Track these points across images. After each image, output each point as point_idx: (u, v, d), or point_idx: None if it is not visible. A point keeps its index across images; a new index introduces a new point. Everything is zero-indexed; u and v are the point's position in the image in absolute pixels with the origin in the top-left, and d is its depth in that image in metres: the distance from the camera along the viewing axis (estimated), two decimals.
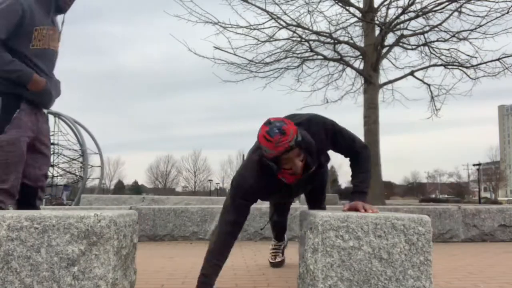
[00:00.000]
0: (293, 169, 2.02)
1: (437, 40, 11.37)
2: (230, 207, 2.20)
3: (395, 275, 1.65)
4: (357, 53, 12.03)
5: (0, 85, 2.31)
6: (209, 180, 72.09)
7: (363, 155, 2.24)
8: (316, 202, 2.73)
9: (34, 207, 2.42)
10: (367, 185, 2.17)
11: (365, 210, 1.90)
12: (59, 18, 2.60)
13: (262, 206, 4.78)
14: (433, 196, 64.69)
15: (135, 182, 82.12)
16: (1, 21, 2.24)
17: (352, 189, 2.20)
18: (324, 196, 2.79)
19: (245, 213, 2.22)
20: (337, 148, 2.26)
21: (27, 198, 2.39)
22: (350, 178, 2.35)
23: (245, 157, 2.48)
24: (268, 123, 1.98)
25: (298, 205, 5.50)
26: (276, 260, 3.00)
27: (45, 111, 2.60)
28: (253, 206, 2.28)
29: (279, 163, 2.00)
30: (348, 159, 2.30)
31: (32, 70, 2.35)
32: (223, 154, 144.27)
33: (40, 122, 2.51)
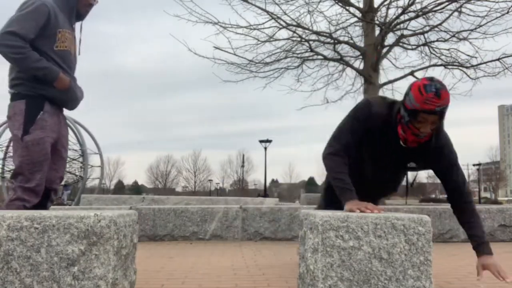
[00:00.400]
0: (420, 130, 1.98)
1: (437, 40, 11.35)
2: (344, 127, 2.17)
3: (395, 275, 1.65)
4: (357, 53, 12.01)
5: (24, 87, 2.36)
6: (209, 180, 72.16)
7: (473, 204, 2.19)
8: None
9: (45, 208, 2.42)
10: (484, 233, 2.15)
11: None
12: (76, 25, 2.66)
13: (262, 206, 4.77)
14: (433, 196, 64.66)
15: (135, 182, 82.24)
16: (31, 22, 2.31)
17: (473, 241, 2.13)
18: None
19: (356, 136, 2.14)
20: (444, 177, 2.19)
21: (40, 199, 2.40)
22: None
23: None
24: (431, 79, 1.96)
25: (298, 205, 5.50)
26: None
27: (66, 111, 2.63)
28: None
29: (413, 117, 1.97)
30: (452, 199, 2.22)
31: (58, 68, 2.40)
32: (223, 154, 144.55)
33: (62, 124, 2.54)
